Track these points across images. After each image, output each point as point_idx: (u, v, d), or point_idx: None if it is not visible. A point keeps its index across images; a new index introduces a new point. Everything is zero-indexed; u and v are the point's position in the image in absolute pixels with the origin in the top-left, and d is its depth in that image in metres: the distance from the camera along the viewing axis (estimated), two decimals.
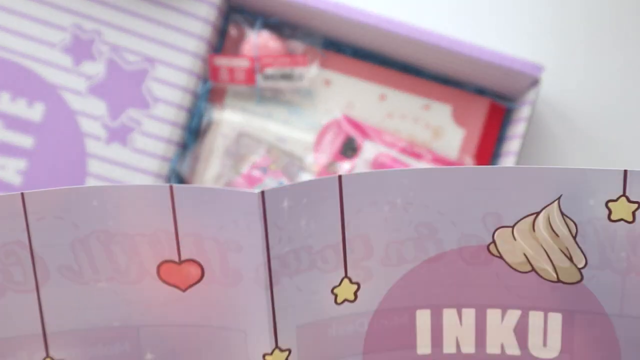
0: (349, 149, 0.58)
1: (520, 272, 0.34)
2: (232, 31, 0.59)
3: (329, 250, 0.33)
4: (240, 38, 0.59)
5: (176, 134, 0.57)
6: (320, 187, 0.32)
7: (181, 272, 0.33)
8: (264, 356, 0.34)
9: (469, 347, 0.35)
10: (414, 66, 0.60)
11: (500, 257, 0.34)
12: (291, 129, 0.58)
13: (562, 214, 0.33)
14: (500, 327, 0.35)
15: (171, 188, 0.32)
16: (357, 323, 0.35)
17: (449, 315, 0.35)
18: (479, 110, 0.59)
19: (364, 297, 0.34)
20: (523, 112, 0.56)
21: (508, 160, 0.55)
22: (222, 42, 0.60)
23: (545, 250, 0.33)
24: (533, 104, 0.55)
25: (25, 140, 0.55)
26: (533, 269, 0.34)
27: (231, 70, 0.58)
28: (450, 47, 0.54)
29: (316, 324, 0.34)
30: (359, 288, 0.34)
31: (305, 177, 0.58)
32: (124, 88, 0.56)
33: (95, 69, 0.56)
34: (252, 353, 0.34)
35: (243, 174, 0.57)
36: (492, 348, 0.35)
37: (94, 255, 0.33)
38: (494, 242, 0.34)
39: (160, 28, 0.56)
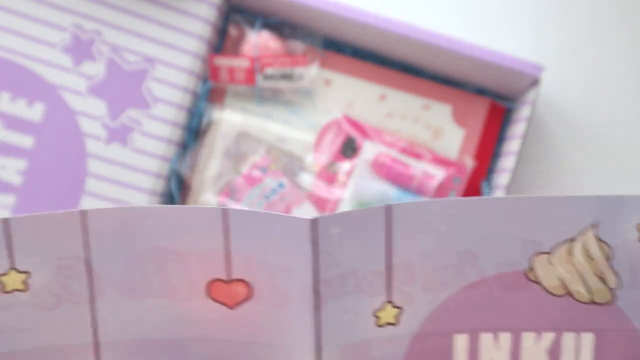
0: (349, 149, 0.58)
1: (555, 295, 0.35)
2: (232, 31, 0.59)
3: (374, 276, 0.34)
4: (240, 38, 0.59)
5: (176, 134, 0.57)
6: (369, 215, 0.34)
7: (230, 290, 0.34)
8: None
9: None
10: (414, 66, 0.60)
11: (537, 282, 0.35)
12: (291, 129, 0.58)
13: (597, 238, 0.34)
14: (535, 350, 0.36)
15: (225, 211, 0.33)
16: (398, 345, 0.36)
17: (485, 339, 0.36)
18: (479, 110, 0.59)
19: (405, 321, 0.35)
20: (523, 112, 0.56)
21: (508, 160, 0.55)
22: (222, 42, 0.60)
23: (580, 274, 0.35)
24: (533, 104, 0.55)
25: (25, 140, 0.55)
26: (567, 292, 0.35)
27: (231, 70, 0.58)
28: (450, 47, 0.55)
29: (358, 344, 0.35)
30: (401, 312, 0.35)
31: (305, 177, 0.58)
32: (124, 88, 0.56)
33: (95, 69, 0.56)
34: None
35: (243, 174, 0.57)
36: None
37: (147, 272, 0.34)
38: (531, 268, 0.35)
39: (160, 28, 0.56)
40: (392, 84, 0.59)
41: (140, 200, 0.55)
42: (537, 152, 0.61)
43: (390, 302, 0.35)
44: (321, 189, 0.57)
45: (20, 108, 0.55)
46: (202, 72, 0.58)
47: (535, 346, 0.36)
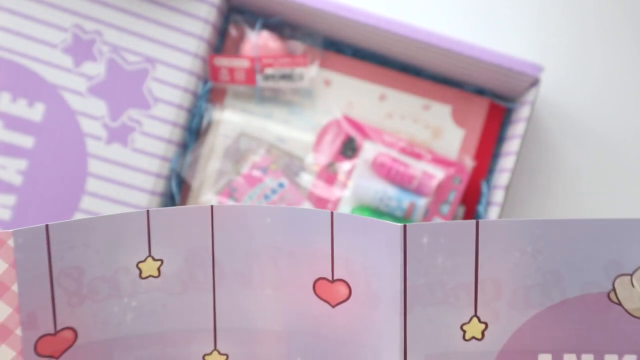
0: (348, 149, 0.58)
1: (637, 317, 0.36)
2: (232, 31, 0.59)
3: (461, 289, 0.36)
4: (240, 38, 0.59)
5: (176, 134, 0.57)
6: (459, 229, 0.35)
7: (332, 289, 0.37)
8: None
9: None
10: (414, 66, 0.60)
11: (619, 304, 0.35)
12: (291, 129, 0.58)
13: None
14: None
15: (332, 214, 0.35)
16: None
17: None
18: (479, 110, 0.59)
19: (491, 337, 0.36)
20: (522, 112, 0.56)
21: (508, 160, 0.56)
22: (222, 42, 0.60)
23: None
24: (532, 104, 0.55)
25: (25, 140, 0.55)
26: None
27: (231, 71, 0.58)
28: (450, 47, 0.55)
29: (444, 355, 0.36)
30: (486, 327, 0.36)
31: (305, 177, 0.58)
32: (124, 88, 0.56)
33: (96, 69, 0.56)
34: None
35: (243, 174, 0.57)
36: None
37: (262, 266, 0.37)
38: (613, 289, 0.35)
39: (161, 28, 0.56)
40: (392, 84, 0.59)
41: (141, 200, 0.55)
42: (536, 152, 0.61)
43: (476, 316, 0.36)
44: (321, 189, 0.57)
45: (21, 108, 0.55)
46: (202, 72, 0.58)
47: None
